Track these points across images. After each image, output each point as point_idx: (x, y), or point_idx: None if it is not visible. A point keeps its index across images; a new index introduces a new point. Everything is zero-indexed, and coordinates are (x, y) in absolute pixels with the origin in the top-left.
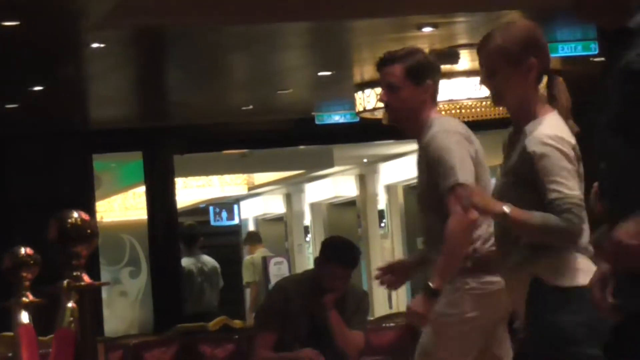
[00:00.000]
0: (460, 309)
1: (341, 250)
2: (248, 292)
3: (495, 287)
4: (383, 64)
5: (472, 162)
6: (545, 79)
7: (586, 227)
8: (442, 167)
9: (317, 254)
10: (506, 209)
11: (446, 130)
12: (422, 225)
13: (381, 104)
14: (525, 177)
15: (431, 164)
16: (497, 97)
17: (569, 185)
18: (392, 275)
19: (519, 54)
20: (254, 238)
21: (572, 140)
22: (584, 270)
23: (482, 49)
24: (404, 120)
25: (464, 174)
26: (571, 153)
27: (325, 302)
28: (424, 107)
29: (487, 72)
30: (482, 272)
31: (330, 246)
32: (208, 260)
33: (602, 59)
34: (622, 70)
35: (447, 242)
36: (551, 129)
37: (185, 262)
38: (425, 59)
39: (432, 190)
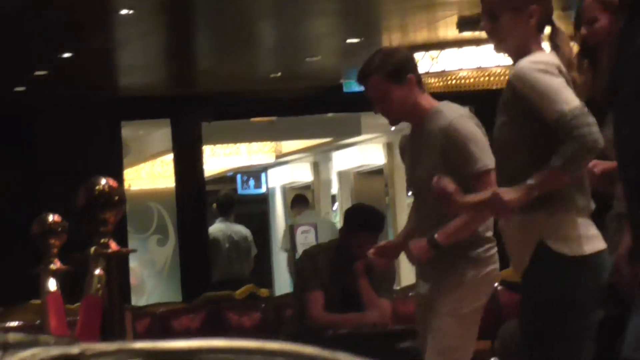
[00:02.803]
0: (471, 300)
1: (365, 216)
2: (286, 258)
3: (495, 274)
4: (361, 81)
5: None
6: (548, 30)
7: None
8: (466, 153)
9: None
10: (530, 183)
11: (462, 116)
12: (420, 212)
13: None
14: (519, 110)
15: (451, 150)
16: (497, 42)
17: (564, 99)
18: (383, 256)
19: (520, 0)
20: (302, 201)
21: (556, 61)
22: (588, 237)
23: None
24: (404, 117)
25: (489, 158)
26: (554, 70)
27: (356, 268)
28: (417, 98)
29: (488, 16)
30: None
31: (354, 214)
32: (239, 228)
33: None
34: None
35: (468, 220)
36: (533, 57)
37: (215, 228)
38: (397, 58)
39: (447, 174)
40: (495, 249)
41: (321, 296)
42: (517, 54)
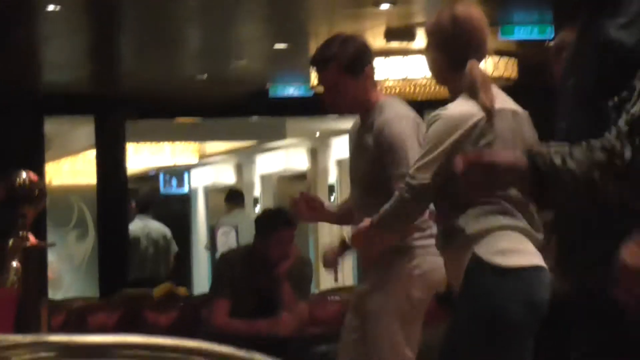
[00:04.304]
0: (410, 292)
1: (277, 216)
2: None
3: (432, 267)
4: (317, 66)
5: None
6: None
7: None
8: (395, 154)
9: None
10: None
11: (399, 115)
12: (355, 202)
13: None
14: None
15: (383, 149)
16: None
17: (421, 164)
18: (309, 208)
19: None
20: (237, 198)
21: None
22: (523, 251)
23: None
24: (351, 109)
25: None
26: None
27: (279, 273)
28: (368, 92)
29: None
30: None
31: (265, 217)
32: (157, 226)
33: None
34: (600, 40)
35: (392, 210)
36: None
37: (134, 226)
38: (356, 48)
39: (377, 172)
40: (429, 240)
41: (227, 304)
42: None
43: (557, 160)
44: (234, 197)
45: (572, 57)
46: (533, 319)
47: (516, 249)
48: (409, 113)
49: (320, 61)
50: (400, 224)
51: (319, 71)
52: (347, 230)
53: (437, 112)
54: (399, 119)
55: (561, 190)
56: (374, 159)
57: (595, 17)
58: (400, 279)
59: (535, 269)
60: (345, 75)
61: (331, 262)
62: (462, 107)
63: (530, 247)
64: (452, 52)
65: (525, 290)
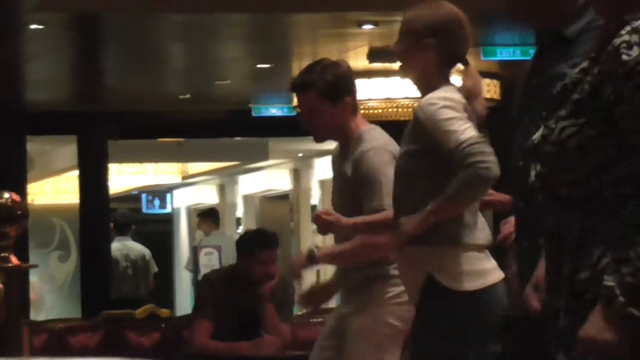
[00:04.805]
0: (384, 318)
1: (259, 236)
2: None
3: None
4: (296, 91)
5: None
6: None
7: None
8: (369, 188)
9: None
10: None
11: (377, 147)
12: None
13: None
14: (420, 141)
15: (359, 181)
16: (403, 67)
17: (460, 130)
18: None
19: (420, 31)
20: (212, 217)
21: (457, 96)
22: (479, 272)
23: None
24: (328, 136)
25: (389, 199)
26: (456, 105)
27: (263, 294)
28: (347, 121)
29: (400, 38)
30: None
31: (249, 238)
32: (135, 246)
33: (532, 59)
34: (554, 78)
35: (355, 246)
36: (438, 92)
37: (112, 247)
38: (336, 76)
39: (349, 202)
40: None
41: (208, 325)
42: (419, 85)
43: None
44: (209, 216)
45: (526, 96)
46: (490, 337)
47: (470, 270)
48: (387, 145)
49: (299, 85)
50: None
51: (297, 95)
52: (316, 243)
53: (430, 98)
54: (376, 151)
55: None
56: (350, 188)
57: (546, 57)
58: (381, 305)
59: (492, 286)
60: (322, 102)
61: (296, 274)
62: (456, 94)
63: (485, 264)
64: (449, 47)
65: (483, 310)
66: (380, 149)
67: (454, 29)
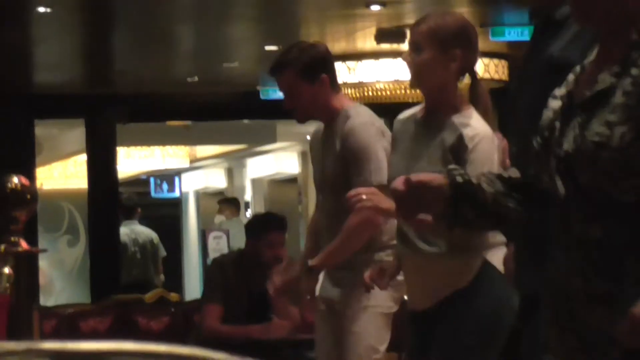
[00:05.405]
0: (379, 300)
1: (267, 219)
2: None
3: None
4: (274, 72)
5: (385, 157)
6: (468, 79)
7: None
8: (359, 162)
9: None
10: None
11: (365, 123)
12: (323, 208)
13: None
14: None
15: (347, 156)
16: (415, 77)
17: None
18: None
19: (447, 40)
20: (235, 203)
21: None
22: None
23: (414, 27)
24: (313, 116)
25: (377, 174)
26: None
27: (272, 276)
28: (329, 99)
29: (412, 48)
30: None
31: (256, 221)
32: (143, 230)
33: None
34: (545, 61)
35: (346, 232)
36: (484, 126)
37: (120, 232)
38: (312, 55)
39: (342, 179)
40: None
41: (218, 309)
42: (434, 96)
43: (474, 180)
44: (231, 202)
45: (520, 80)
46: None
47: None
48: (374, 120)
49: (276, 68)
50: None
51: (276, 77)
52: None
53: (473, 129)
54: (363, 126)
55: (473, 208)
56: (339, 167)
57: (539, 39)
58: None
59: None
60: (300, 81)
61: (301, 297)
62: (487, 127)
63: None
64: (469, 57)
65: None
66: (368, 124)
67: (472, 39)
